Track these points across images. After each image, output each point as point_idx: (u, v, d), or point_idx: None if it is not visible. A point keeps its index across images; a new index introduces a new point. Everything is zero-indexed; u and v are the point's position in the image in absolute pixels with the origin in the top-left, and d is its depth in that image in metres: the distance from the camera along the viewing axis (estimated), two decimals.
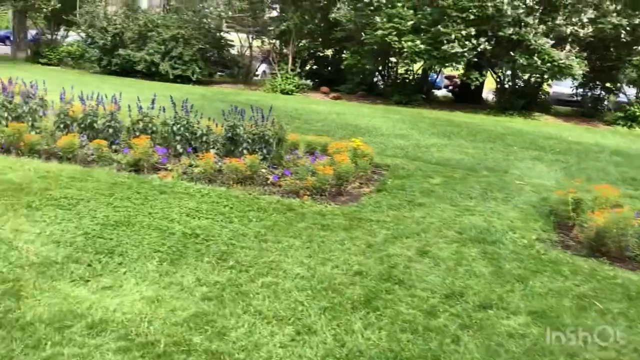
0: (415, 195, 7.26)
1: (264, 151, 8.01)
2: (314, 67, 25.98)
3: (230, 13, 22.34)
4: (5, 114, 8.33)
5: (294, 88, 21.99)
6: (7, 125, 8.01)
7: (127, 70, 23.11)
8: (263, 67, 27.28)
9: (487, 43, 18.41)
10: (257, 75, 26.77)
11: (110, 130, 8.09)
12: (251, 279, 4.36)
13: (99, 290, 3.93)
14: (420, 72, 22.39)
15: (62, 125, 8.22)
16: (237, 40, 25.60)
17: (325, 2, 21.47)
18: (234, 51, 25.72)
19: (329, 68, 25.66)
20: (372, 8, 19.04)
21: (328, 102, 20.09)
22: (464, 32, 18.05)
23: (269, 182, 7.29)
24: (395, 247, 5.32)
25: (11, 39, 31.62)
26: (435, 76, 23.64)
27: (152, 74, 22.60)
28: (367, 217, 6.13)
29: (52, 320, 3.45)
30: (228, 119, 8.00)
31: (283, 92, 21.71)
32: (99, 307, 3.69)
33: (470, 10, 17.92)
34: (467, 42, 18.16)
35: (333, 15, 19.96)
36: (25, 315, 3.49)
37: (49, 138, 7.84)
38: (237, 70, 25.42)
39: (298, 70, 23.25)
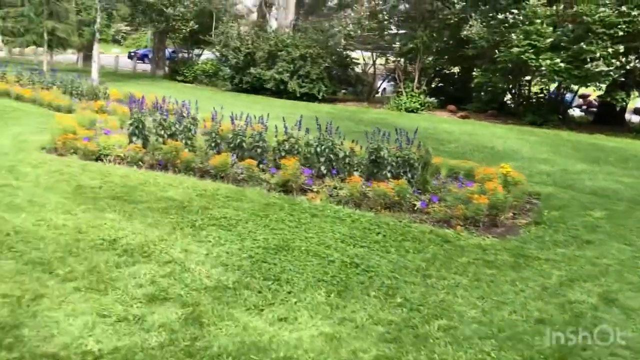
0: (579, 230, 6.64)
1: (408, 175, 7.75)
2: (439, 84, 25.42)
3: (359, 32, 22.44)
4: (162, 132, 8.76)
5: (418, 106, 21.58)
6: (164, 143, 8.42)
7: (256, 88, 23.93)
8: (384, 84, 27.18)
9: (637, 61, 16.91)
10: (378, 93, 26.70)
11: (258, 150, 8.23)
12: (425, 320, 4.08)
13: (275, 321, 3.85)
14: (554, 91, 21.10)
15: (213, 144, 8.51)
16: (360, 58, 25.75)
17: (455, 20, 20.90)
18: (357, 69, 25.85)
19: (455, 86, 24.98)
20: (506, 25, 18.23)
21: (456, 121, 19.45)
22: (610, 50, 16.71)
23: (416, 208, 7.00)
24: (575, 291, 4.81)
25: (150, 57, 34.16)
26: (572, 96, 22.11)
27: (279, 91, 23.20)
28: (534, 254, 5.64)
29: (238, 354, 3.40)
30: (372, 141, 7.84)
31: (407, 110, 21.37)
32: (280, 341, 3.59)
33: (619, 26, 16.56)
34: (613, 60, 16.79)
35: (465, 32, 19.34)
36: (212, 345, 3.47)
37: (203, 156, 8.11)
38: (361, 88, 25.49)
39: (423, 87, 22.84)
